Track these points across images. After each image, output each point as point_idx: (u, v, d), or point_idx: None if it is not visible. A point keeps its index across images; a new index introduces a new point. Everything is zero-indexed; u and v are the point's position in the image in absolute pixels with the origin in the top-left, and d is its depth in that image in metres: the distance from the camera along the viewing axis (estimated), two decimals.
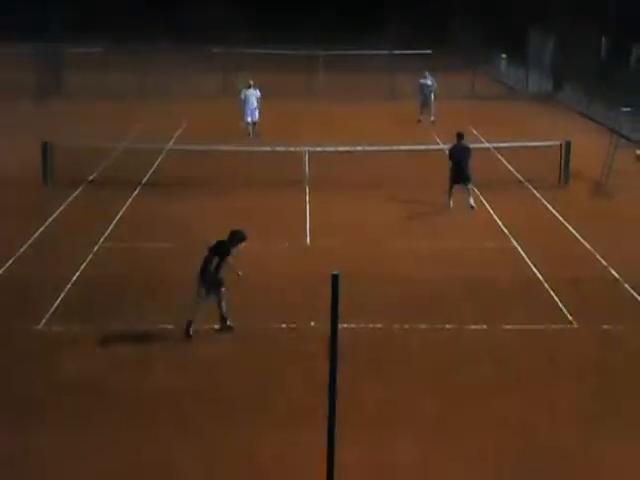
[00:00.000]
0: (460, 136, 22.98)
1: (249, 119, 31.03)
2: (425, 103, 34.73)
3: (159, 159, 27.01)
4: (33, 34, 43.00)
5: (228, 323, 15.09)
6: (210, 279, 14.75)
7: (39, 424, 12.08)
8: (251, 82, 31.61)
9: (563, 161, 25.10)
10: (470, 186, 22.46)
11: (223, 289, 14.93)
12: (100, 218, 21.17)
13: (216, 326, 15.05)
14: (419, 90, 35.06)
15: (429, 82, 34.75)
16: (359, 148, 26.22)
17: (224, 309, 15.02)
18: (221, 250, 14.87)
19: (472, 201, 22.31)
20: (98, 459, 11.34)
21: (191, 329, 14.74)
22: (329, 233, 20.46)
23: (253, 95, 31.07)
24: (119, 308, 15.85)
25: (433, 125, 33.42)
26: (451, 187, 22.48)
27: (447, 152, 23.08)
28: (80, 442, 11.68)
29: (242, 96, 31.24)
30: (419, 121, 34.38)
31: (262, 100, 31.46)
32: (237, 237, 15.00)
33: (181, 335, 14.77)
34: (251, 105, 31.01)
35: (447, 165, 22.78)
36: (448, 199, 22.42)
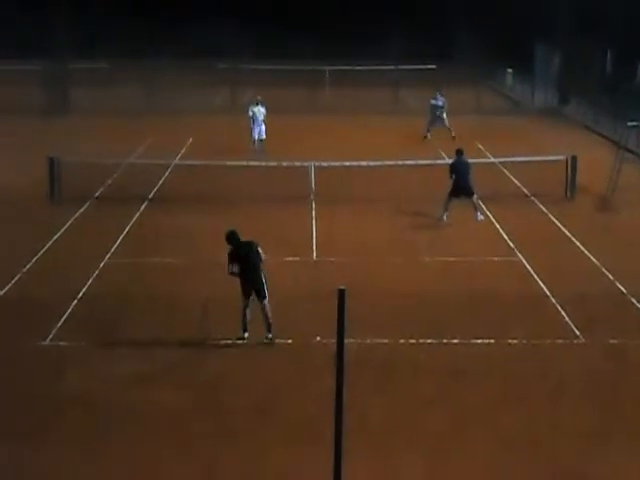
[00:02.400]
0: (460, 152, 23.09)
1: (256, 136, 31.09)
2: (433, 122, 34.46)
3: (165, 175, 27.07)
4: (39, 51, 43.23)
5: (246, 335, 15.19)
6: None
7: (43, 440, 12.07)
8: (259, 98, 31.84)
9: (569, 175, 25.09)
10: (475, 198, 22.52)
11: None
12: (106, 234, 21.21)
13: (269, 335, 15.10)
14: (429, 110, 34.79)
15: (440, 103, 34.43)
16: (364, 163, 26.25)
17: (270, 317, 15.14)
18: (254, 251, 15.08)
19: (479, 214, 22.41)
20: (101, 477, 11.32)
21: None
22: (335, 248, 20.46)
23: (260, 112, 31.18)
24: (125, 324, 15.86)
25: (454, 140, 32.18)
26: (449, 201, 22.53)
27: (449, 167, 23.12)
28: (84, 459, 11.66)
29: (250, 113, 31.33)
30: (425, 137, 34.03)
31: (268, 115, 31.47)
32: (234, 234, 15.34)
33: (186, 351, 14.76)
34: (258, 122, 31.07)
35: (448, 180, 22.80)
36: (442, 212, 22.47)
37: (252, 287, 15.07)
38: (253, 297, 15.10)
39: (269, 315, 15.05)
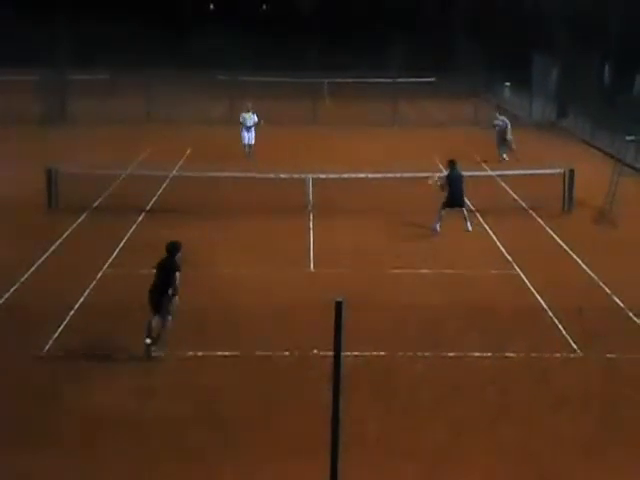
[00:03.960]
0: (454, 163, 23.33)
1: (246, 141, 32.92)
2: (500, 142, 33.67)
3: (163, 186, 27.08)
4: (38, 61, 43.30)
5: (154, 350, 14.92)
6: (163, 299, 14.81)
7: (40, 452, 12.01)
8: (249, 105, 33.48)
9: (567, 189, 25.12)
10: (465, 209, 22.94)
11: (170, 317, 14.92)
12: (104, 244, 21.20)
13: (148, 340, 14.83)
14: (496, 131, 34.05)
15: (501, 123, 33.85)
16: (362, 175, 26.28)
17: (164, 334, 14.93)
18: (170, 266, 14.94)
19: (469, 224, 22.84)
20: None
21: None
22: (333, 259, 20.46)
23: (251, 119, 32.96)
24: (122, 335, 15.81)
25: (507, 161, 32.51)
26: (442, 212, 22.72)
27: (444, 179, 23.23)
28: (81, 470, 11.62)
29: (241, 119, 33.17)
30: (503, 160, 33.06)
31: (260, 124, 33.10)
32: (177, 248, 15.20)
33: (184, 362, 14.75)
34: (247, 127, 32.86)
35: (442, 192, 22.98)
36: (436, 223, 22.63)
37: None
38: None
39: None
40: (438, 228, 22.66)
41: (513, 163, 31.64)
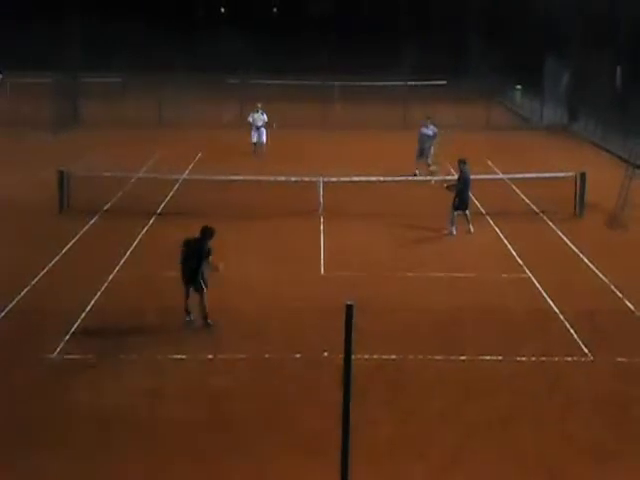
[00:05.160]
0: (464, 162, 23.37)
1: (255, 139, 33.99)
2: (421, 153, 30.22)
3: (174, 188, 27.13)
4: (51, 64, 43.41)
5: (209, 321, 16.03)
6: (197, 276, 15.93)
7: (52, 454, 12.06)
8: (259, 105, 34.36)
9: (578, 192, 25.07)
10: (468, 213, 23.11)
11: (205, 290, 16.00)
12: (116, 247, 21.25)
13: (188, 318, 16.13)
14: (418, 139, 30.34)
15: (430, 132, 30.30)
16: (373, 178, 26.29)
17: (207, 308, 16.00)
18: (201, 249, 15.96)
19: (471, 226, 23.02)
20: None
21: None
22: (344, 262, 20.47)
23: (260, 118, 34.00)
24: (133, 337, 15.87)
25: (431, 171, 29.38)
26: (455, 213, 22.83)
27: (458, 178, 23.24)
28: (93, 471, 11.66)
29: (250, 119, 34.34)
30: (415, 175, 29.40)
31: (272, 127, 34.28)
32: (211, 234, 16.17)
33: (195, 365, 14.79)
34: (256, 127, 33.94)
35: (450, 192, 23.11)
36: (451, 226, 22.66)
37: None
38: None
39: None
40: (454, 231, 22.64)
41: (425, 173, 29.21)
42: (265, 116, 34.16)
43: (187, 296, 16.26)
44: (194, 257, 16.03)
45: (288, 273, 19.63)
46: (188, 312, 16.30)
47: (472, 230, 22.92)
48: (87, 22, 50.94)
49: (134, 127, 39.88)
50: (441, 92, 50.91)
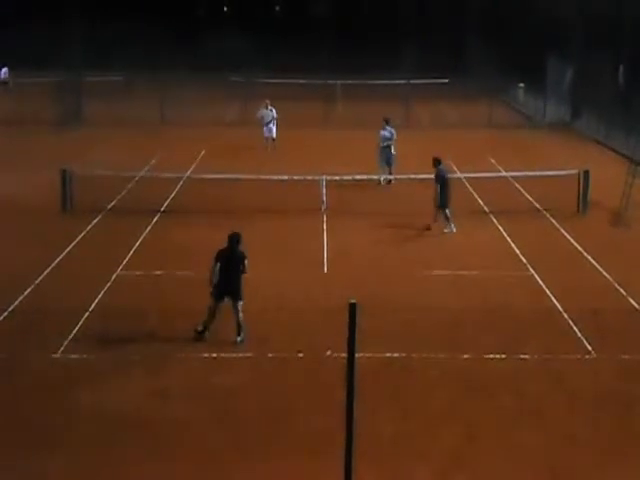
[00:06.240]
0: (439, 161, 23.44)
1: (267, 134, 34.59)
2: (387, 162, 28.34)
3: (178, 187, 27.13)
4: (54, 63, 43.45)
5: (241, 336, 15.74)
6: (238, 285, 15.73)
7: (56, 453, 12.07)
8: (267, 101, 35.19)
9: (581, 190, 25.04)
10: (448, 212, 23.01)
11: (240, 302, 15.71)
12: (119, 246, 21.26)
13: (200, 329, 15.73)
14: (377, 142, 28.88)
15: (387, 134, 28.69)
16: (375, 177, 26.24)
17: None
18: (237, 257, 15.78)
19: (453, 225, 22.92)
20: None
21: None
22: (346, 261, 20.47)
23: (269, 114, 34.69)
24: (137, 337, 15.87)
25: (389, 185, 27.92)
26: (445, 211, 22.86)
27: (436, 177, 23.20)
28: (96, 471, 11.67)
29: (259, 115, 35.13)
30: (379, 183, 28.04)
31: (278, 120, 34.94)
32: (237, 239, 16.04)
33: (198, 364, 14.79)
34: (266, 123, 34.54)
35: (435, 190, 23.03)
36: (450, 224, 22.65)
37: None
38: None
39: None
40: (454, 228, 22.67)
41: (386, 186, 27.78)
42: (274, 112, 34.80)
43: (215, 311, 15.73)
44: (232, 267, 15.69)
45: (291, 272, 19.63)
46: (206, 327, 15.76)
47: (454, 229, 22.75)
48: (88, 21, 50.93)
49: (137, 126, 39.88)
50: (443, 90, 50.90)
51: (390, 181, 27.98)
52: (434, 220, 22.90)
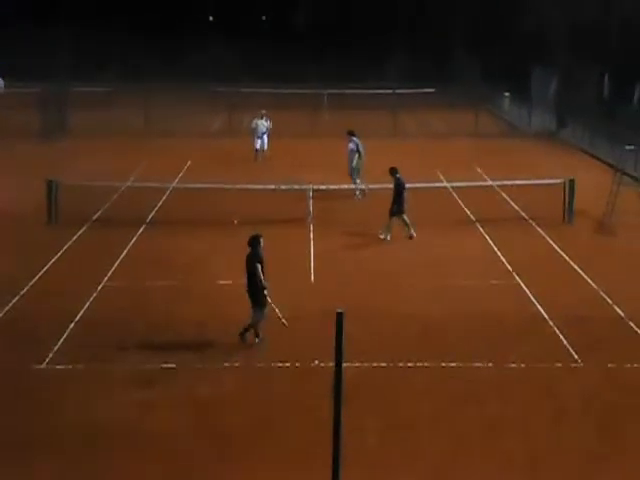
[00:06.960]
0: (396, 171, 23.62)
1: (258, 146, 34.37)
2: (358, 172, 28.54)
3: (163, 198, 27.08)
4: (38, 74, 43.40)
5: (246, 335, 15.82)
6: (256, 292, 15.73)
7: (41, 463, 11.99)
8: (263, 112, 35.03)
9: (567, 199, 25.12)
10: (406, 217, 23.17)
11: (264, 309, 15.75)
12: (105, 256, 21.19)
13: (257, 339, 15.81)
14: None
15: (352, 146, 28.59)
16: (362, 186, 26.26)
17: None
18: (251, 258, 15.77)
19: (413, 230, 23.08)
20: None
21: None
22: (333, 270, 20.46)
23: (263, 124, 34.58)
24: (123, 347, 15.80)
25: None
26: (391, 220, 22.97)
27: (398, 186, 23.36)
28: None
29: (253, 125, 34.82)
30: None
31: (271, 130, 35.04)
32: (257, 240, 16.07)
33: (184, 374, 14.75)
34: (259, 134, 34.38)
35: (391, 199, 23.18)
36: (387, 232, 22.91)
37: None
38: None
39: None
40: (389, 237, 22.85)
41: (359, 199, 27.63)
42: (269, 122, 34.84)
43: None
44: (247, 270, 15.75)
45: (277, 281, 19.57)
46: (257, 334, 15.88)
47: (414, 235, 22.92)
48: (74, 32, 50.93)
49: (122, 136, 39.83)
50: (429, 100, 51.03)
51: (364, 192, 27.53)
52: (410, 229, 22.98)
